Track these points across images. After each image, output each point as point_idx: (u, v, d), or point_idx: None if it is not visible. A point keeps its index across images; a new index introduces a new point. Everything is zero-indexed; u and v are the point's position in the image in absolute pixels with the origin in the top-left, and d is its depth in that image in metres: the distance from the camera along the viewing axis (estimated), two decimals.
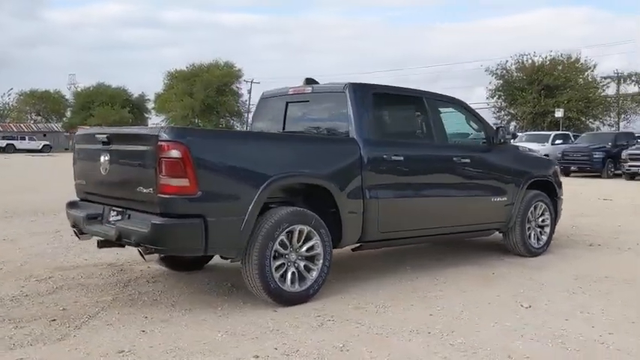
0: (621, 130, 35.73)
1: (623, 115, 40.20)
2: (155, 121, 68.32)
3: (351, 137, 5.27)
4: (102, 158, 4.83)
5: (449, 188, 6.01)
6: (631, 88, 40.11)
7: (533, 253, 6.82)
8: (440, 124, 6.05)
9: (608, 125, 39.74)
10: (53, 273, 5.84)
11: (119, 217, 4.82)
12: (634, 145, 21.61)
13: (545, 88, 39.25)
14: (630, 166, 20.08)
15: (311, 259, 4.91)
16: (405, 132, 5.99)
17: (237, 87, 63.86)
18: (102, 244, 5.17)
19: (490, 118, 43.93)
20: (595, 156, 21.69)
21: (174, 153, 4.23)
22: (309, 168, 4.95)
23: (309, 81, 6.01)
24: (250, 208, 4.50)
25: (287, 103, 6.06)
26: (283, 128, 6.02)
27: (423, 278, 5.77)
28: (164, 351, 3.81)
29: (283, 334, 4.13)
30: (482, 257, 6.77)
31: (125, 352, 3.79)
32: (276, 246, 4.68)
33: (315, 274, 4.92)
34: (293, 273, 4.82)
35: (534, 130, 34.53)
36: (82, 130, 5.91)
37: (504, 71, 41.40)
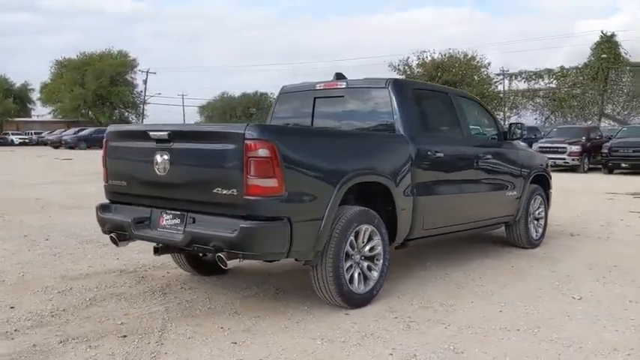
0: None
1: (514, 110, 43.02)
2: (41, 112, 63.97)
3: (400, 134, 5.20)
4: (158, 158, 4.42)
5: (477, 183, 6.12)
6: (521, 85, 43.04)
7: (533, 244, 7.10)
8: (465, 120, 6.13)
9: (501, 119, 42.26)
10: (68, 283, 5.30)
11: (177, 221, 4.44)
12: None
13: (445, 84, 40.97)
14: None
15: (372, 259, 4.81)
16: (441, 128, 6.00)
17: (132, 77, 61.22)
18: (161, 251, 4.76)
19: None
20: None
21: (263, 152, 3.96)
22: (373, 165, 4.84)
23: (339, 76, 5.85)
24: (329, 207, 4.33)
25: (315, 99, 5.87)
26: (311, 124, 5.83)
27: (455, 274, 5.81)
28: None
29: (382, 339, 4.01)
30: (487, 250, 6.94)
31: None
32: (347, 247, 4.54)
33: (376, 274, 4.82)
34: (359, 274, 4.70)
35: None
36: (118, 127, 5.38)
37: (407, 67, 42.86)
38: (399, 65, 43.02)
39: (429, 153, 5.35)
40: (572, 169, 21.19)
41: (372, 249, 4.78)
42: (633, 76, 38.01)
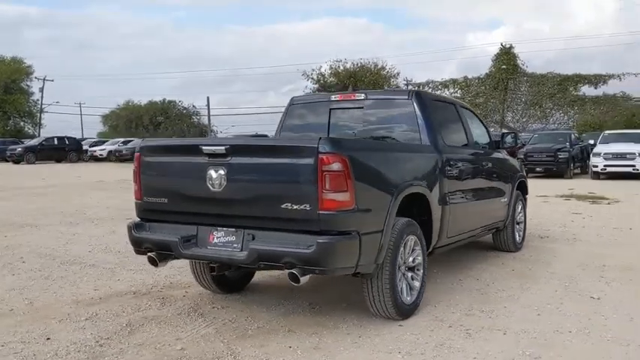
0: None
1: None
2: None
3: (428, 144, 5.30)
4: (212, 173, 4.23)
5: (484, 190, 6.34)
6: None
7: (517, 247, 7.44)
8: (470, 130, 6.34)
9: None
10: (88, 309, 4.95)
11: (232, 238, 4.29)
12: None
13: None
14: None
15: (414, 269, 4.86)
16: (455, 138, 6.15)
17: (28, 85, 57.64)
18: (219, 270, 4.54)
19: None
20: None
21: (337, 166, 3.91)
22: (416, 176, 4.91)
23: (354, 88, 5.87)
24: (388, 219, 4.34)
25: (330, 110, 5.85)
26: (328, 135, 5.80)
27: (467, 281, 5.97)
28: None
29: (455, 349, 4.05)
30: (477, 256, 7.19)
31: None
32: (399, 258, 4.56)
33: (418, 284, 4.88)
34: (405, 285, 4.74)
35: None
36: (155, 141, 5.06)
37: (320, 76, 43.35)
38: (311, 74, 43.44)
39: (452, 162, 5.49)
40: None
41: (414, 259, 4.83)
42: (530, 86, 40.73)
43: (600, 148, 20.70)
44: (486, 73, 41.99)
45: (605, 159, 20.16)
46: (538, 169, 21.54)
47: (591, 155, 20.99)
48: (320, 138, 3.98)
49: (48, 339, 4.22)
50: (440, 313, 4.85)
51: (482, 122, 7.09)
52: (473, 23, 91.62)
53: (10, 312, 4.90)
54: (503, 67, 40.55)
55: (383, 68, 43.54)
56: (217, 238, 4.35)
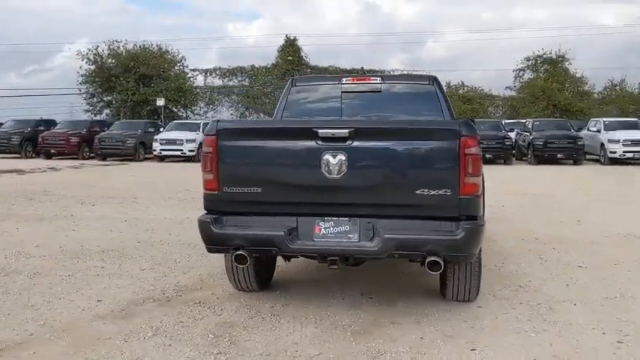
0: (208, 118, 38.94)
1: (211, 106, 44.10)
2: None
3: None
4: (330, 159, 3.85)
5: None
6: (217, 81, 44.36)
7: None
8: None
9: (197, 114, 42.90)
10: (118, 326, 4.14)
11: (346, 228, 3.96)
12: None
13: (142, 77, 39.74)
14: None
15: None
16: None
17: None
18: (332, 263, 4.05)
19: (83, 105, 42.02)
20: None
21: (475, 149, 3.86)
22: None
23: (364, 72, 5.74)
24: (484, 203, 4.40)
25: (342, 93, 5.63)
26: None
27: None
28: None
29: (565, 325, 4.23)
30: None
31: None
32: None
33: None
34: None
35: (132, 119, 34.80)
36: (241, 122, 4.27)
37: (98, 57, 40.01)
38: (87, 54, 39.91)
39: None
40: None
41: None
42: None
43: None
44: (273, 64, 43.09)
45: None
46: None
47: None
48: (460, 121, 3.88)
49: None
50: (503, 296, 4.90)
51: None
52: (233, 13, 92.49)
53: (24, 332, 3.86)
54: (290, 58, 42.03)
55: (167, 52, 41.91)
56: (326, 229, 3.98)
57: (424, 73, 5.81)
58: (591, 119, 26.30)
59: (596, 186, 14.61)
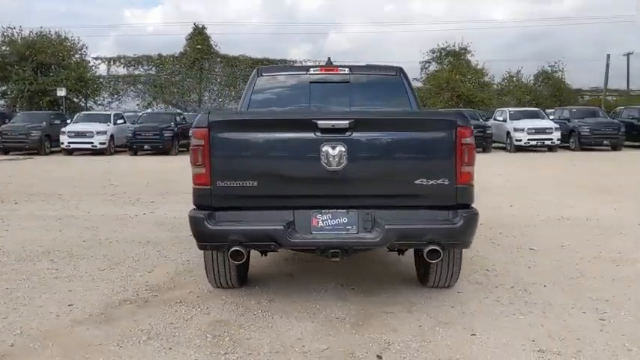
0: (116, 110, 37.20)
1: (115, 96, 42.17)
2: None
3: None
4: (330, 150, 3.80)
5: None
6: (121, 70, 42.42)
7: None
8: None
9: (101, 105, 40.96)
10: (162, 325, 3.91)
11: (344, 220, 3.94)
12: None
13: (40, 66, 37.43)
14: None
15: None
16: None
17: None
18: (334, 255, 3.97)
19: None
20: (166, 135, 22.56)
21: (470, 139, 3.95)
22: None
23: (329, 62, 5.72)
24: None
25: (310, 83, 5.56)
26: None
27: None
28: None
29: (564, 308, 4.46)
30: None
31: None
32: None
33: None
34: None
35: (30, 110, 32.86)
36: (233, 114, 4.03)
37: None
38: None
39: None
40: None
41: None
42: (224, 67, 42.02)
43: None
44: (181, 52, 41.84)
45: None
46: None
47: None
48: (455, 111, 3.94)
49: None
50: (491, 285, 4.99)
51: None
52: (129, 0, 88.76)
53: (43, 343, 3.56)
54: (199, 46, 40.99)
55: (66, 39, 39.66)
56: (324, 221, 3.94)
57: (390, 64, 5.83)
58: (497, 109, 27.64)
59: (511, 172, 15.38)
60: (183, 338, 3.76)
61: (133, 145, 22.36)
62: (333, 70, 5.59)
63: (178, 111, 30.04)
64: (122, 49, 65.34)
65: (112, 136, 22.96)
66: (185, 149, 23.38)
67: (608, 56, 39.90)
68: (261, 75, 5.64)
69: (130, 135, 22.29)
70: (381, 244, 3.87)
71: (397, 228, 3.86)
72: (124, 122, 24.62)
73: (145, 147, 22.42)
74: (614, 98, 41.95)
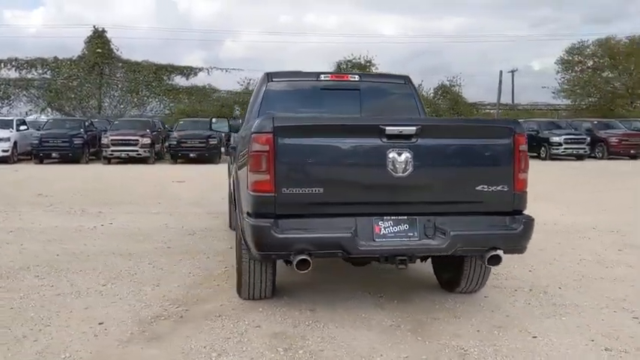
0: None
1: (6, 100, 39.14)
2: None
3: None
4: (396, 156, 3.78)
5: None
6: (12, 74, 39.43)
7: None
8: None
9: None
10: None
11: (406, 227, 3.91)
12: None
13: None
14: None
15: None
16: None
17: None
18: (401, 262, 3.88)
19: None
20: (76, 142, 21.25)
21: (524, 146, 4.06)
22: None
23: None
24: None
25: (321, 90, 5.50)
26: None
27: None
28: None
29: (538, 299, 4.68)
30: None
31: None
32: None
33: None
34: None
35: None
36: (299, 119, 3.80)
37: None
38: None
39: None
40: (144, 160, 21.61)
41: None
42: (126, 72, 40.29)
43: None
44: (79, 56, 39.66)
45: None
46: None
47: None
48: (513, 119, 4.05)
49: None
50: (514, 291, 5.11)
51: None
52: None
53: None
54: (99, 50, 39.08)
55: None
56: (385, 228, 3.89)
57: (398, 73, 5.90)
58: None
59: None
60: (255, 353, 3.57)
61: (39, 153, 20.83)
62: (343, 77, 5.67)
63: (84, 117, 28.27)
64: (10, 51, 61.20)
65: (15, 143, 21.32)
66: (95, 157, 22.27)
67: (501, 72, 42.39)
68: (272, 80, 5.52)
69: (36, 142, 20.75)
70: (446, 250, 3.88)
71: (463, 234, 3.89)
72: (27, 129, 22.92)
73: (53, 155, 20.95)
74: (500, 112, 44.48)
